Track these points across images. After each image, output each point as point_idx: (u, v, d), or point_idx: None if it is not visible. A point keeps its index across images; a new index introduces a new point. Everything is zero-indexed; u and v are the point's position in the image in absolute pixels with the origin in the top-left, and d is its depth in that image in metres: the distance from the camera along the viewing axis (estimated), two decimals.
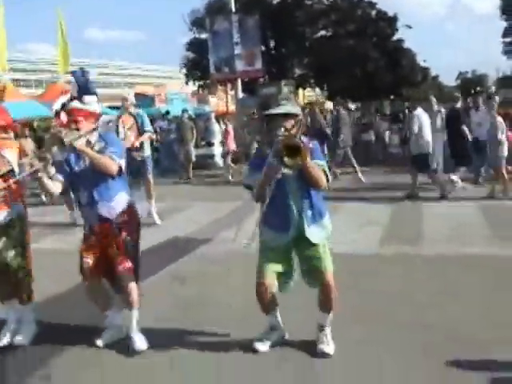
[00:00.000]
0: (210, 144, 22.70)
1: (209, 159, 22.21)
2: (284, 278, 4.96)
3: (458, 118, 14.60)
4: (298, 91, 37.81)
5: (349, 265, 6.96)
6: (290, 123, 4.66)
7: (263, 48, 28.89)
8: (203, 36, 33.29)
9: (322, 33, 39.65)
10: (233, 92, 30.18)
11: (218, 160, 22.04)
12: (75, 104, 5.28)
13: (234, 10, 24.88)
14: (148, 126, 11.02)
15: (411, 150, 13.25)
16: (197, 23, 35.56)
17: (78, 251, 5.30)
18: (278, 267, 4.88)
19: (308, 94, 48.23)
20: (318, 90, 47.29)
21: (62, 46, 39.68)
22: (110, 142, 5.24)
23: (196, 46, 35.45)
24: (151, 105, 33.14)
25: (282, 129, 4.59)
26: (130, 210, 5.31)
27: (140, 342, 5.20)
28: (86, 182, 5.12)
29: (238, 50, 23.55)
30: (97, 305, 5.44)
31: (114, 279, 5.26)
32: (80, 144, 5.06)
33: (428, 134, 13.09)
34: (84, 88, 5.39)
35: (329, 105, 36.61)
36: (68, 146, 4.97)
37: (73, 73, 5.64)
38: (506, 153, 12.68)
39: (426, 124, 13.12)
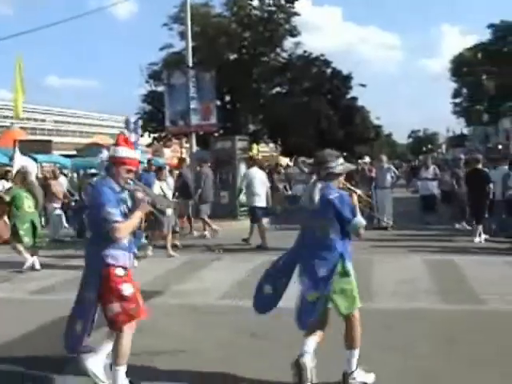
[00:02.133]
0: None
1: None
2: None
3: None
4: (253, 146, 38.19)
5: None
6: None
7: (219, 103, 29.20)
8: (159, 89, 33.59)
9: (278, 89, 40.30)
10: (187, 145, 30.36)
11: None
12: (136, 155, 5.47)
13: (191, 64, 25.17)
14: None
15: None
16: (154, 76, 35.88)
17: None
18: None
19: (262, 150, 48.72)
20: (271, 145, 47.84)
21: (17, 91, 39.52)
22: None
23: (152, 98, 35.71)
24: None
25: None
26: None
27: None
28: None
29: (193, 105, 23.69)
30: None
31: None
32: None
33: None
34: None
35: (283, 160, 37.07)
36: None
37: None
38: None
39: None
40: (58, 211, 17.61)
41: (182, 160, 20.84)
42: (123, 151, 5.17)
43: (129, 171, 5.19)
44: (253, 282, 8.56)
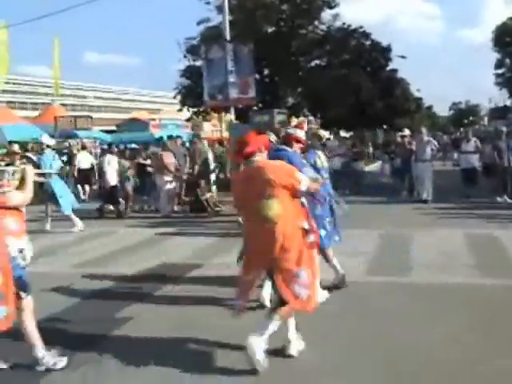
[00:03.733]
0: None
1: None
2: None
3: None
4: (292, 119, 37.90)
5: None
6: None
7: (257, 76, 29.08)
8: (197, 63, 33.54)
9: (316, 62, 39.94)
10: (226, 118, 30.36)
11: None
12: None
13: (228, 38, 25.10)
14: None
15: None
16: (191, 51, 35.78)
17: None
18: None
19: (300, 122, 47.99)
20: (311, 118, 47.61)
21: (55, 70, 39.86)
22: None
23: (190, 72, 35.66)
24: (145, 130, 33.29)
25: None
26: None
27: None
28: None
29: (232, 78, 23.65)
30: None
31: None
32: None
33: None
34: None
35: (323, 133, 36.85)
36: None
37: None
38: None
39: None
40: (170, 185, 17.20)
41: None
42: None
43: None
44: None
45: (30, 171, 5.56)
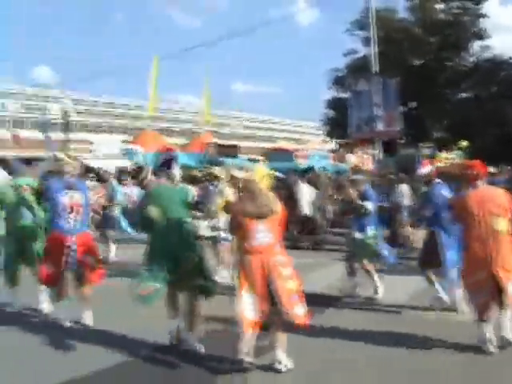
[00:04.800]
0: None
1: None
2: None
3: None
4: (438, 153, 37.19)
5: None
6: None
7: (402, 109, 29.06)
8: (343, 95, 33.92)
9: (463, 94, 39.22)
10: (371, 151, 30.43)
11: None
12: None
13: (375, 70, 25.36)
14: None
15: None
16: (337, 82, 36.16)
17: None
18: None
19: (447, 157, 46.67)
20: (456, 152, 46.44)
21: (206, 99, 41.57)
22: None
23: (336, 104, 36.04)
24: (290, 160, 33.90)
25: None
26: None
27: None
28: None
29: (377, 111, 23.91)
30: None
31: None
32: None
33: None
34: None
35: None
36: None
37: None
38: None
39: None
40: None
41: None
42: None
43: None
44: None
45: None
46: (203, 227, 10.42)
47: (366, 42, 31.23)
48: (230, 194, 10.16)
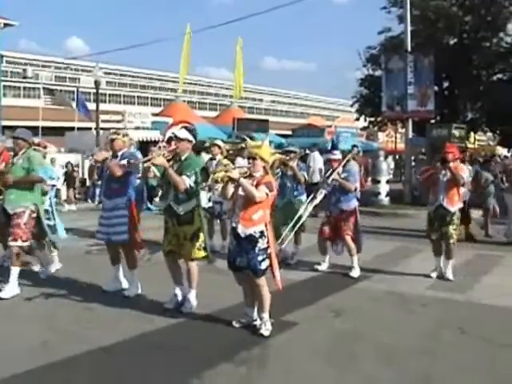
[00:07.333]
0: (375, 181, 22.81)
1: (373, 197, 22.23)
2: None
3: None
4: (470, 135, 36.78)
5: None
6: None
7: (436, 88, 28.70)
8: (377, 73, 33.57)
9: (499, 76, 38.54)
10: (402, 130, 30.18)
11: (383, 198, 22.13)
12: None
13: (409, 48, 25.06)
14: None
15: None
16: (371, 60, 35.75)
17: None
18: None
19: (479, 138, 46.32)
20: (489, 134, 45.77)
21: (238, 73, 41.61)
22: None
23: (369, 82, 35.67)
24: (320, 136, 33.87)
25: None
26: None
27: None
28: None
29: (411, 90, 23.68)
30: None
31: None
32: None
33: None
34: None
35: (500, 150, 35.76)
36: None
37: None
38: None
39: None
40: None
41: None
42: None
43: None
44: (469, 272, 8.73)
45: None
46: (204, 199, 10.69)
47: (401, 19, 30.84)
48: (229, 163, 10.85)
